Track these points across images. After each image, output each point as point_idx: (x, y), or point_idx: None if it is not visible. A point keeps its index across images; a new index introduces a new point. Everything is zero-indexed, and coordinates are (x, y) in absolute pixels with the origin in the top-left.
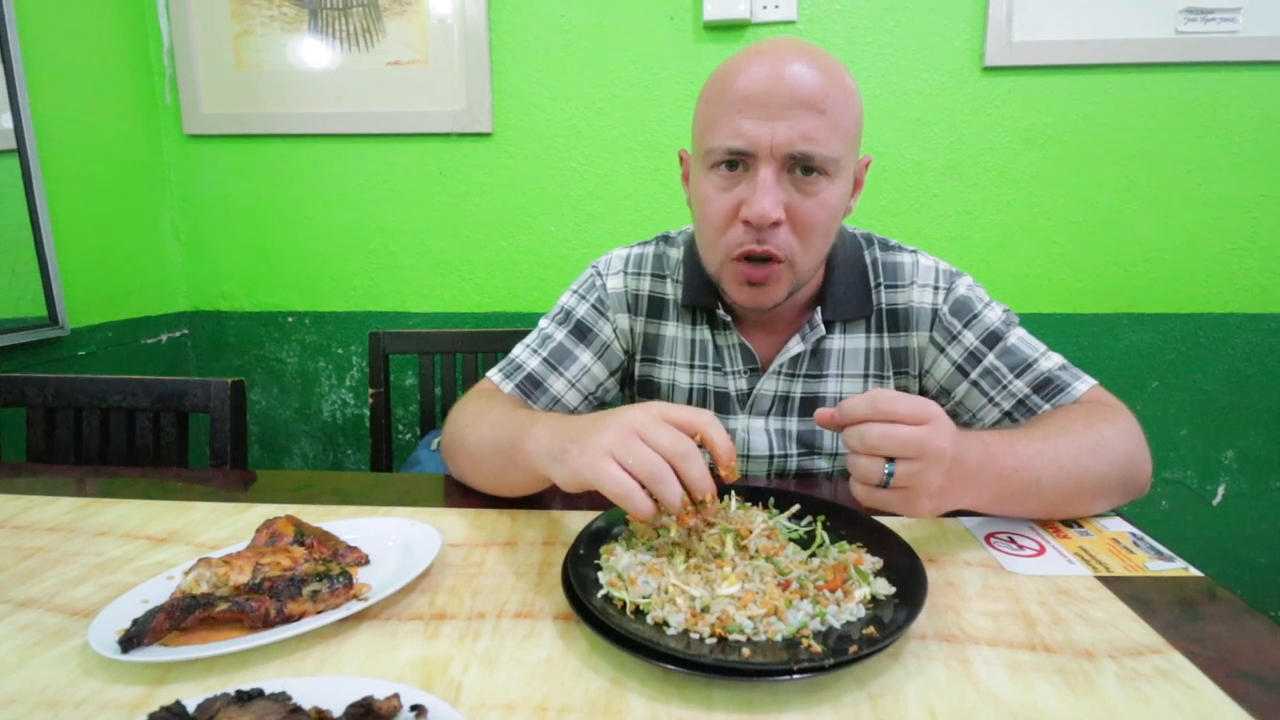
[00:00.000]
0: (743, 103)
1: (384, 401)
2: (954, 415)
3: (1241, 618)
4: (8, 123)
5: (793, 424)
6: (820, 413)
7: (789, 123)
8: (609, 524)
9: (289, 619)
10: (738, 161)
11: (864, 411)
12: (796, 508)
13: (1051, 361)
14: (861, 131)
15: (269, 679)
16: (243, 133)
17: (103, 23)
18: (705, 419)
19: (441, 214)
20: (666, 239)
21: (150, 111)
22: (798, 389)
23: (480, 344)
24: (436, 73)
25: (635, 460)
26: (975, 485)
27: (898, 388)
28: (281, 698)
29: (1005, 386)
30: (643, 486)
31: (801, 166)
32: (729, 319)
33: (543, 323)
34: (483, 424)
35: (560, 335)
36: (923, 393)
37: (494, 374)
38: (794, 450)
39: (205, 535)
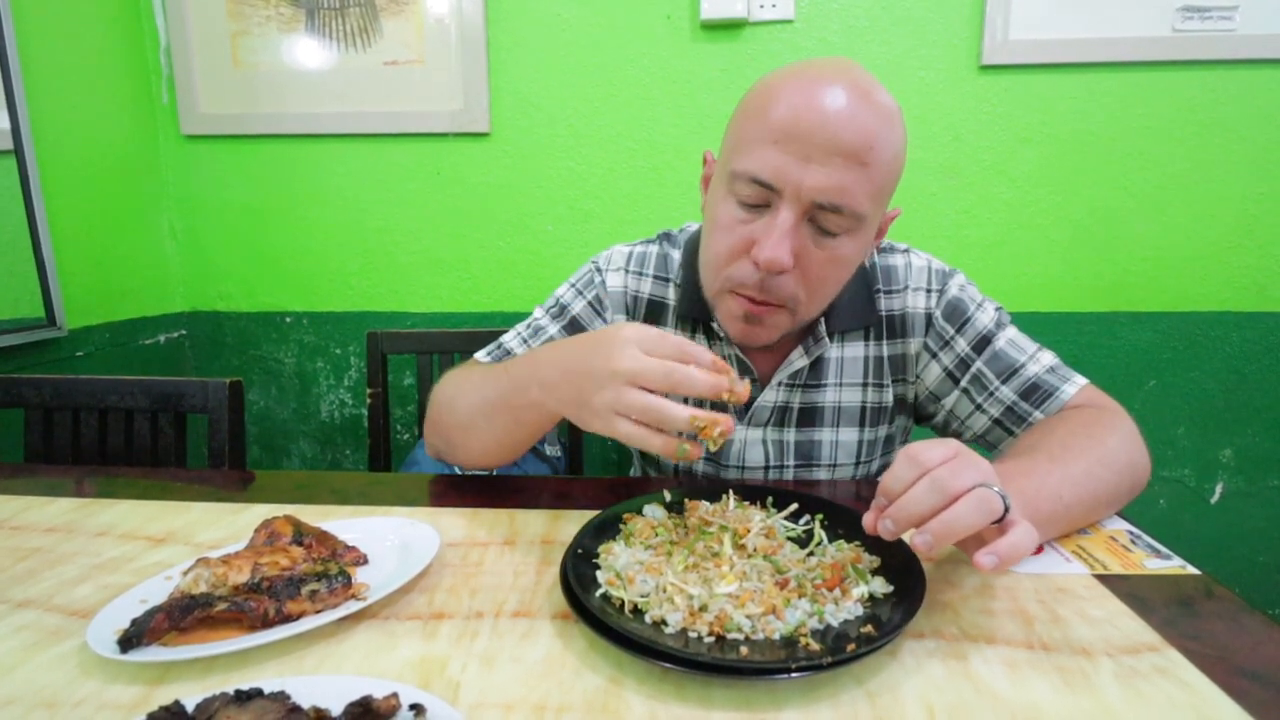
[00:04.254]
0: (780, 132)
1: (382, 401)
2: (945, 425)
3: (1239, 615)
4: (5, 123)
5: (790, 435)
6: (866, 521)
7: (826, 170)
8: (609, 518)
9: (288, 618)
10: (761, 193)
11: (908, 472)
12: (794, 506)
13: (1040, 365)
14: (896, 187)
15: (268, 678)
16: (240, 133)
17: (99, 22)
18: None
19: (439, 214)
20: (668, 238)
21: (147, 111)
22: (797, 399)
23: (478, 344)
24: (434, 72)
25: (639, 412)
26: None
27: (896, 396)
28: (280, 697)
29: (993, 394)
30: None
31: (826, 216)
32: (725, 332)
33: (537, 312)
34: (469, 390)
35: (553, 329)
36: (914, 399)
37: (481, 355)
38: (791, 461)
39: (204, 535)
